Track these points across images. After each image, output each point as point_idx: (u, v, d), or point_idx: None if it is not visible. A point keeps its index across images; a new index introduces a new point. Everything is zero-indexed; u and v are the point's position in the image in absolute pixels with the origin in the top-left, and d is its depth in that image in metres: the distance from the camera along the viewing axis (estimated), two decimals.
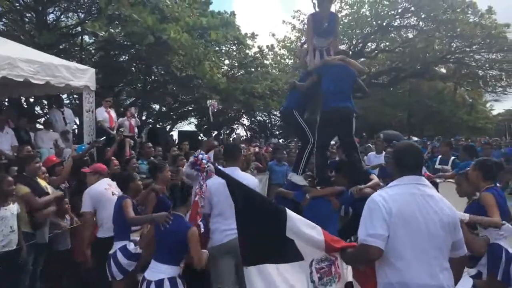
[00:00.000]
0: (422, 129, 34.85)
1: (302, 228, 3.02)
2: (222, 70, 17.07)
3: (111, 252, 4.22)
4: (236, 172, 4.24)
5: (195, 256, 3.64)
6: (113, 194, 4.74)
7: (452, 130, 34.55)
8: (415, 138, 23.67)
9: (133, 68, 18.02)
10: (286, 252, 2.99)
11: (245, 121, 31.20)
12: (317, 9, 5.60)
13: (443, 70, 29.50)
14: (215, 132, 23.09)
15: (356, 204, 4.79)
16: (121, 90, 19.15)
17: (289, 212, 3.05)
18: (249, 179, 4.42)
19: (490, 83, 27.91)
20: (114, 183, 4.70)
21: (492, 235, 3.86)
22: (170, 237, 3.64)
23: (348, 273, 3.13)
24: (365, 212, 2.70)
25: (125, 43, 13.75)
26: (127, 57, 16.92)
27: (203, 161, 3.91)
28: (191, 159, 4.21)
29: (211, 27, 13.91)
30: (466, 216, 3.71)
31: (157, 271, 3.60)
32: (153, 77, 18.99)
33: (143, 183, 5.34)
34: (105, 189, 4.81)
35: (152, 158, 7.69)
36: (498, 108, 47.01)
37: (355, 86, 5.37)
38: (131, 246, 4.18)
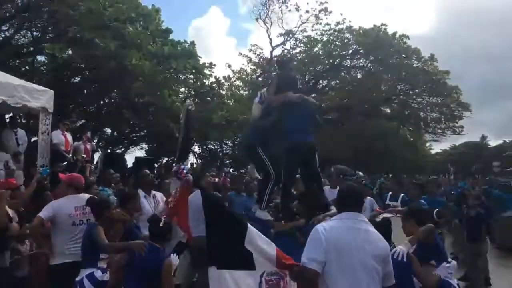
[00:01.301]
0: (367, 166, 36.13)
1: (259, 242, 3.38)
2: (181, 96, 17.12)
3: (77, 279, 4.14)
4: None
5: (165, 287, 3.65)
6: (78, 224, 4.61)
7: (395, 168, 36.16)
8: (361, 173, 24.53)
9: (85, 91, 17.72)
10: (241, 260, 3.32)
11: (196, 149, 31.08)
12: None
13: (388, 110, 31.13)
14: (165, 159, 22.86)
15: None
16: (71, 111, 18.65)
17: (250, 227, 3.41)
18: None
19: (430, 124, 29.74)
20: (88, 209, 4.57)
21: (443, 273, 4.17)
22: (144, 266, 3.65)
23: None
24: (308, 239, 3.10)
25: (80, 65, 13.58)
26: (79, 79, 16.62)
27: (184, 171, 4.34)
28: (175, 167, 4.60)
29: (172, 55, 14.05)
30: (409, 245, 3.95)
31: None
32: (107, 101, 18.74)
33: None
34: (70, 215, 4.62)
35: (113, 184, 7.59)
36: (436, 147, 50.07)
37: (314, 122, 5.67)
38: (98, 274, 4.13)
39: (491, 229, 9.97)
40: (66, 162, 7.21)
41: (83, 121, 19.45)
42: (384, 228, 3.69)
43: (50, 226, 4.69)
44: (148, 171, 6.19)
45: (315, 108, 5.61)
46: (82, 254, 4.29)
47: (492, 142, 60.90)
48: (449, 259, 4.36)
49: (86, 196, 4.85)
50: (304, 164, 5.39)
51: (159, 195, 5.78)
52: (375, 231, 3.17)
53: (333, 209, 5.36)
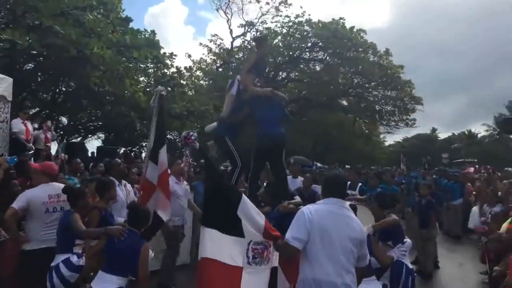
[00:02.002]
0: (324, 157, 36.97)
1: (251, 211, 3.68)
2: (140, 86, 16.87)
3: (53, 264, 4.21)
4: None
5: (141, 271, 3.78)
6: (52, 211, 4.62)
7: (351, 159, 37.23)
8: (319, 164, 25.15)
9: (39, 78, 17.12)
10: (232, 226, 3.61)
11: None
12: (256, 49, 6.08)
13: (345, 103, 31.97)
14: (122, 149, 22.53)
15: (285, 220, 5.25)
16: (23, 99, 17.98)
17: (245, 197, 3.72)
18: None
19: (385, 117, 30.82)
20: (64, 196, 4.59)
21: (396, 254, 4.59)
22: (123, 250, 3.77)
23: (275, 259, 3.79)
24: (294, 219, 3.45)
25: (35, 52, 13.09)
26: (33, 66, 16.03)
27: (192, 137, 4.56)
28: (184, 133, 4.80)
29: (134, 45, 13.85)
30: (371, 229, 4.41)
31: (105, 281, 3.69)
32: (63, 89, 18.22)
33: None
34: (44, 203, 4.61)
35: (78, 174, 7.52)
36: (389, 139, 52.00)
37: (282, 115, 5.93)
38: (74, 259, 4.21)
39: (440, 216, 10.67)
40: (33, 151, 7.08)
41: (37, 109, 18.86)
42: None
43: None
44: (119, 161, 6.23)
45: (285, 102, 5.85)
46: (57, 240, 4.35)
47: (442, 135, 63.99)
48: (405, 239, 4.80)
49: (59, 184, 4.89)
50: (273, 155, 5.62)
51: (128, 185, 5.88)
52: (355, 217, 3.54)
53: (297, 199, 5.67)
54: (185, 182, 6.73)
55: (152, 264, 5.17)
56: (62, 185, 4.91)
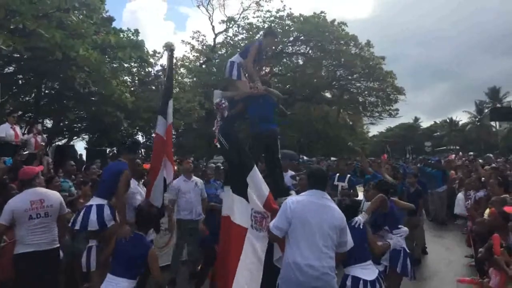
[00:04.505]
0: (309, 149, 37.21)
1: (258, 180, 4.31)
2: (126, 85, 16.81)
3: (89, 245, 4.58)
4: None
5: (155, 273, 3.97)
6: (35, 217, 4.63)
7: (335, 150, 37.57)
8: (306, 158, 25.38)
9: (20, 81, 16.90)
10: (241, 188, 4.24)
11: (140, 138, 30.49)
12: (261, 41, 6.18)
13: (329, 95, 32.26)
14: (108, 149, 22.41)
15: None
16: (4, 103, 17.74)
17: (255, 168, 4.38)
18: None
19: (368, 108, 31.22)
20: (48, 201, 4.71)
21: (394, 241, 4.82)
22: (130, 253, 3.90)
23: None
24: (279, 209, 3.89)
25: (15, 55, 12.91)
26: (13, 69, 15.81)
27: (223, 105, 4.95)
28: (217, 100, 5.14)
29: (119, 46, 13.77)
30: (365, 215, 4.57)
31: (115, 285, 3.78)
32: (46, 92, 18.04)
33: (67, 200, 5.41)
34: (26, 210, 4.59)
35: (73, 176, 7.55)
36: (373, 130, 52.66)
37: (276, 110, 6.08)
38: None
39: (426, 203, 10.95)
40: (28, 152, 7.10)
41: (20, 112, 18.65)
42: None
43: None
44: (139, 161, 6.26)
45: (278, 99, 5.99)
46: None
47: (424, 123, 65.08)
48: (400, 226, 5.00)
49: (42, 190, 4.90)
50: (267, 150, 5.77)
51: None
52: (334, 206, 3.90)
53: (293, 194, 5.83)
54: (194, 179, 7.06)
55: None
56: (45, 190, 4.94)
